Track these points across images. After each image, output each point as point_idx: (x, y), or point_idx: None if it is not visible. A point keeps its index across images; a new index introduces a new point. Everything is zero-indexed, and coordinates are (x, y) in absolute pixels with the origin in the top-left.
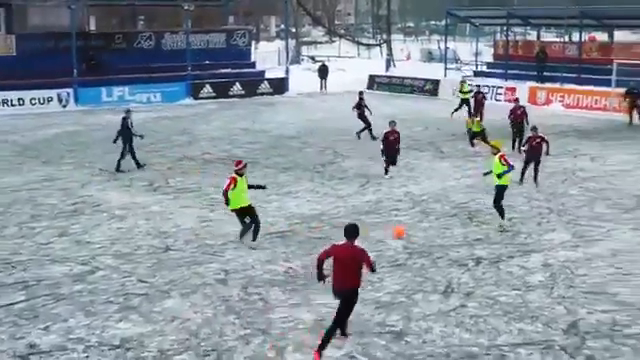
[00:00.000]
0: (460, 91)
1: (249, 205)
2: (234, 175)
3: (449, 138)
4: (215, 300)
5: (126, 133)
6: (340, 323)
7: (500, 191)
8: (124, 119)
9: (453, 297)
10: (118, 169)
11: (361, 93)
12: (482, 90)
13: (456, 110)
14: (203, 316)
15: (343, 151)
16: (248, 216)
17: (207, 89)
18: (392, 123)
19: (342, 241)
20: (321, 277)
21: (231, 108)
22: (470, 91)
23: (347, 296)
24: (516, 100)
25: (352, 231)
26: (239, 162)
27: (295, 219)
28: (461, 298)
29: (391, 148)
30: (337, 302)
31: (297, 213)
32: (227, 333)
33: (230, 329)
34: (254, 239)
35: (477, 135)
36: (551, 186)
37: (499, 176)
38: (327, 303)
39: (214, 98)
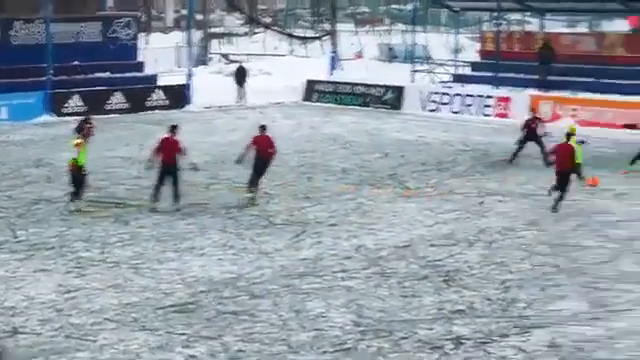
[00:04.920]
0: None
1: None
2: None
3: (417, 169)
4: None
5: None
6: (565, 192)
7: None
8: None
9: None
10: None
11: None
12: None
13: None
14: None
15: (269, 188)
16: None
17: (75, 101)
18: None
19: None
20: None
21: (109, 128)
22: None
23: (565, 174)
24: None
25: (570, 133)
26: None
27: (200, 286)
28: None
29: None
30: None
31: (203, 277)
32: None
33: None
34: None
35: None
36: (560, 235)
37: None
38: None
39: (85, 114)
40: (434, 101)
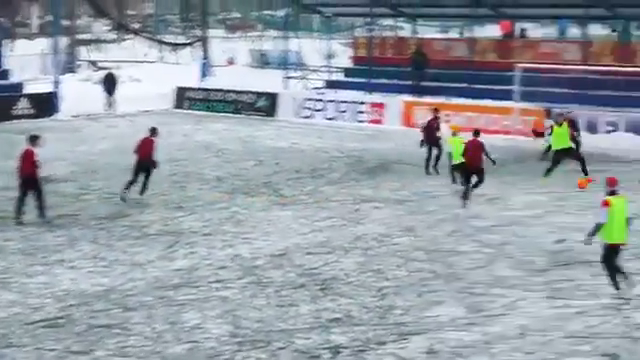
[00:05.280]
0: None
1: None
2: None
3: (292, 176)
4: None
5: None
6: (481, 182)
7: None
8: None
9: None
10: None
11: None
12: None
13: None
14: None
15: (140, 198)
16: None
17: None
18: None
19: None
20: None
21: None
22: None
23: (478, 167)
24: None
25: (476, 132)
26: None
27: (71, 300)
28: None
29: None
30: None
31: (73, 291)
32: None
33: None
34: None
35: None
36: (435, 240)
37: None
38: None
39: None
40: (308, 108)
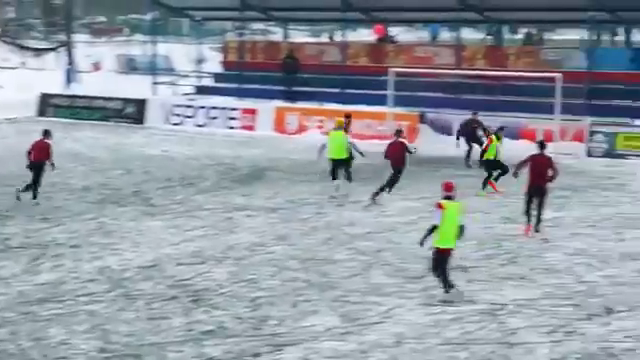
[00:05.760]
0: None
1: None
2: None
3: (163, 185)
4: None
5: None
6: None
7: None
8: None
9: None
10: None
11: None
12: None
13: None
14: None
15: (3, 209)
16: None
17: None
18: None
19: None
20: None
21: None
22: None
23: (400, 168)
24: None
25: (398, 132)
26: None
27: None
28: None
29: None
30: None
31: None
32: None
33: None
34: None
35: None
36: (309, 249)
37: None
38: None
39: None
40: (178, 114)
